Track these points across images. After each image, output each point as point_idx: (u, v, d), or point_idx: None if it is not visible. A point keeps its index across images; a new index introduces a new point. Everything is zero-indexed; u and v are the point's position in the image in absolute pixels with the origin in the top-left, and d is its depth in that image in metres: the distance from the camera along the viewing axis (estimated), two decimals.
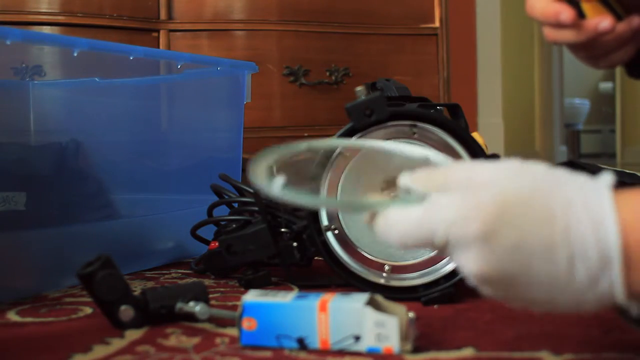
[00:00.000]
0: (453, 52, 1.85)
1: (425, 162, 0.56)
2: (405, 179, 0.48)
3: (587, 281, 0.43)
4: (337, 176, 0.77)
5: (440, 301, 0.73)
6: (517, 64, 3.78)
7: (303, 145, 0.56)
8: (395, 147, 0.59)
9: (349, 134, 0.75)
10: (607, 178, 0.45)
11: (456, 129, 0.75)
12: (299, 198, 0.48)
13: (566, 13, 0.64)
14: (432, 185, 0.46)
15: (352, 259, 0.77)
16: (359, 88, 0.74)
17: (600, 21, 0.64)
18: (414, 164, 0.52)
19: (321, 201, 0.49)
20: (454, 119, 0.85)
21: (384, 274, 0.76)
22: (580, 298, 0.43)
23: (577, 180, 0.45)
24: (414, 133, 0.76)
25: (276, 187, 0.48)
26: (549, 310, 0.46)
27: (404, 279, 0.75)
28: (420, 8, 1.75)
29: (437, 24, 1.76)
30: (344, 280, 0.77)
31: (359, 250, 0.77)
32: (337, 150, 0.75)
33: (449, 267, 0.75)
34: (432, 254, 0.75)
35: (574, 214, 0.43)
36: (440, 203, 0.45)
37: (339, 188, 0.77)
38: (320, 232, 0.77)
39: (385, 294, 0.64)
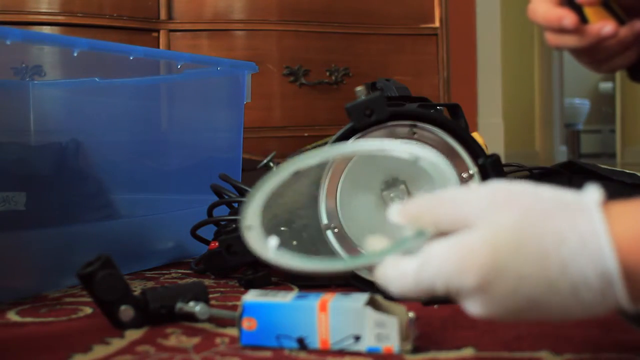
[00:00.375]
0: (453, 52, 1.85)
1: (415, 162, 0.56)
2: (394, 215, 0.48)
3: (594, 300, 0.43)
4: (336, 178, 0.77)
5: (440, 301, 0.73)
6: (517, 64, 3.78)
7: (289, 169, 0.55)
8: (384, 148, 0.58)
9: (348, 134, 0.75)
10: (594, 196, 0.44)
11: (456, 129, 0.75)
12: (293, 262, 0.48)
13: (569, 18, 0.63)
14: (422, 224, 0.47)
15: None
16: (359, 88, 0.74)
17: (603, 26, 0.64)
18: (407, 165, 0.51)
19: (315, 264, 0.49)
20: (454, 119, 0.85)
21: None
22: (590, 311, 0.44)
23: (565, 207, 0.44)
24: (414, 133, 0.76)
25: (270, 250, 0.48)
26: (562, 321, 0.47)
27: None
28: (420, 8, 1.75)
29: (437, 24, 1.76)
30: (344, 280, 0.77)
31: (358, 249, 0.77)
32: (331, 159, 0.75)
33: None
34: None
35: (569, 249, 0.43)
36: (434, 255, 0.45)
37: (339, 191, 0.77)
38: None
39: (385, 294, 0.64)
